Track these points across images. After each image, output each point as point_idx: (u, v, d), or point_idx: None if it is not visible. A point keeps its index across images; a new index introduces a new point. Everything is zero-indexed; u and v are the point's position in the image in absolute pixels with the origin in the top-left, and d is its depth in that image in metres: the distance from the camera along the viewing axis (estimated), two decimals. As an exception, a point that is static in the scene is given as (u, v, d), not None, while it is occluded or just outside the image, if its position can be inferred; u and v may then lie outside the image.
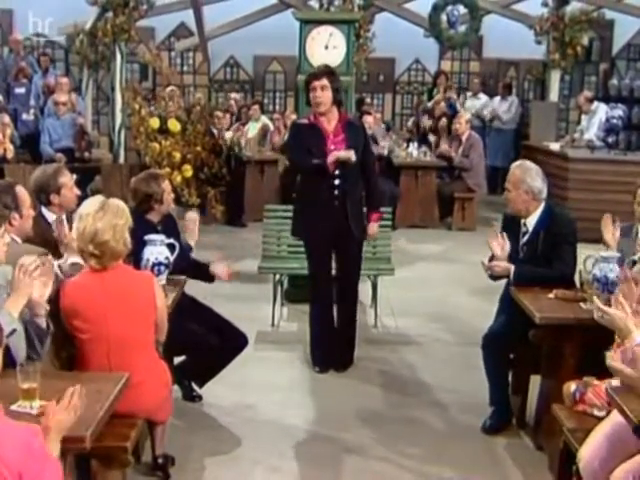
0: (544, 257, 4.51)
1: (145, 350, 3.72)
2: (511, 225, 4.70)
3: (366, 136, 5.55)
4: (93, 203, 3.68)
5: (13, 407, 2.80)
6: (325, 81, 5.24)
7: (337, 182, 5.31)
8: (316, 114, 5.33)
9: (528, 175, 4.57)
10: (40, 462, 2.43)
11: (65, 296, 3.59)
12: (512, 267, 4.53)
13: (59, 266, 3.82)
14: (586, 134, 10.56)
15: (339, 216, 5.34)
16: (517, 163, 4.79)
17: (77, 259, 3.81)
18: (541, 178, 4.59)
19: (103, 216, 3.60)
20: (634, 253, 4.30)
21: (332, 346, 5.58)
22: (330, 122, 5.33)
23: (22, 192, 3.94)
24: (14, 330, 3.03)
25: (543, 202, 4.59)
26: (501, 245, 4.60)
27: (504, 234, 4.63)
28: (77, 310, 3.58)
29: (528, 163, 4.74)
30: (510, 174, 4.64)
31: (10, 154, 9.65)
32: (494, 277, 4.73)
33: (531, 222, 4.60)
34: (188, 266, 4.73)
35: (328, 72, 5.35)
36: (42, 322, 3.24)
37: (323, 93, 5.23)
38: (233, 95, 12.80)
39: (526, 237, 4.62)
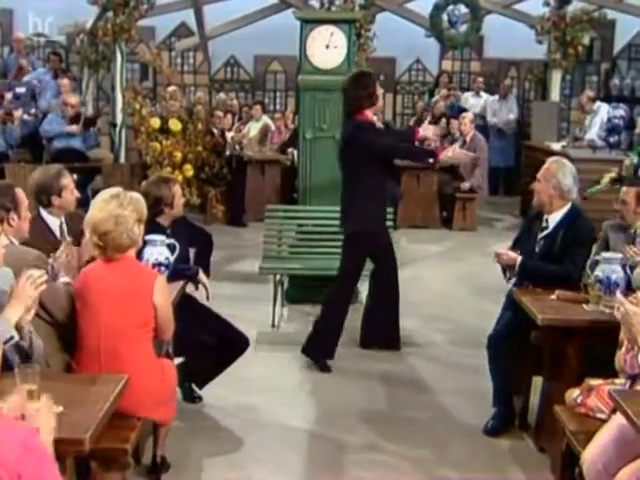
0: (558, 256, 4.51)
1: (137, 344, 3.67)
2: (534, 222, 4.73)
3: None
4: (107, 192, 3.73)
5: (12, 409, 2.77)
6: None
7: None
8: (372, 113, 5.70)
9: (561, 171, 4.57)
10: (39, 462, 2.40)
11: (77, 281, 3.74)
12: (519, 258, 4.54)
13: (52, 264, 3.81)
14: (588, 134, 10.53)
15: None
16: (555, 158, 4.82)
17: (68, 279, 3.85)
18: (573, 178, 4.58)
19: (105, 206, 3.64)
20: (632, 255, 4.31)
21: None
22: None
23: (20, 193, 3.94)
24: (12, 337, 3.00)
25: (570, 202, 4.59)
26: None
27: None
28: (81, 294, 3.68)
29: (565, 160, 4.77)
30: (545, 166, 4.65)
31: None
32: (504, 270, 4.72)
33: (554, 219, 4.59)
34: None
35: None
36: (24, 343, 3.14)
37: None
38: (229, 96, 12.73)
39: (545, 232, 4.61)
